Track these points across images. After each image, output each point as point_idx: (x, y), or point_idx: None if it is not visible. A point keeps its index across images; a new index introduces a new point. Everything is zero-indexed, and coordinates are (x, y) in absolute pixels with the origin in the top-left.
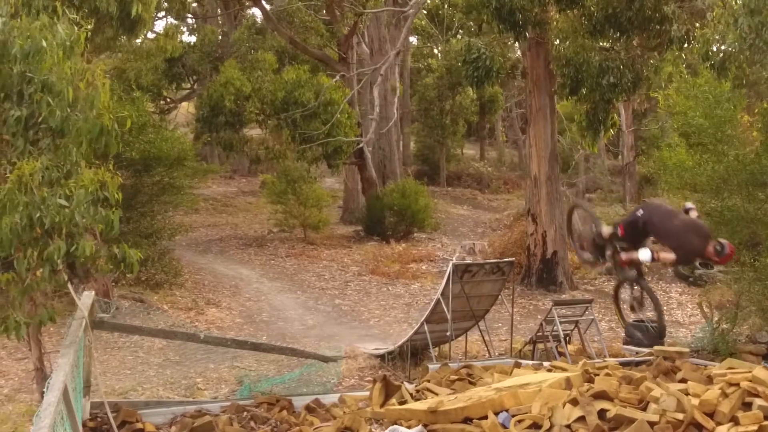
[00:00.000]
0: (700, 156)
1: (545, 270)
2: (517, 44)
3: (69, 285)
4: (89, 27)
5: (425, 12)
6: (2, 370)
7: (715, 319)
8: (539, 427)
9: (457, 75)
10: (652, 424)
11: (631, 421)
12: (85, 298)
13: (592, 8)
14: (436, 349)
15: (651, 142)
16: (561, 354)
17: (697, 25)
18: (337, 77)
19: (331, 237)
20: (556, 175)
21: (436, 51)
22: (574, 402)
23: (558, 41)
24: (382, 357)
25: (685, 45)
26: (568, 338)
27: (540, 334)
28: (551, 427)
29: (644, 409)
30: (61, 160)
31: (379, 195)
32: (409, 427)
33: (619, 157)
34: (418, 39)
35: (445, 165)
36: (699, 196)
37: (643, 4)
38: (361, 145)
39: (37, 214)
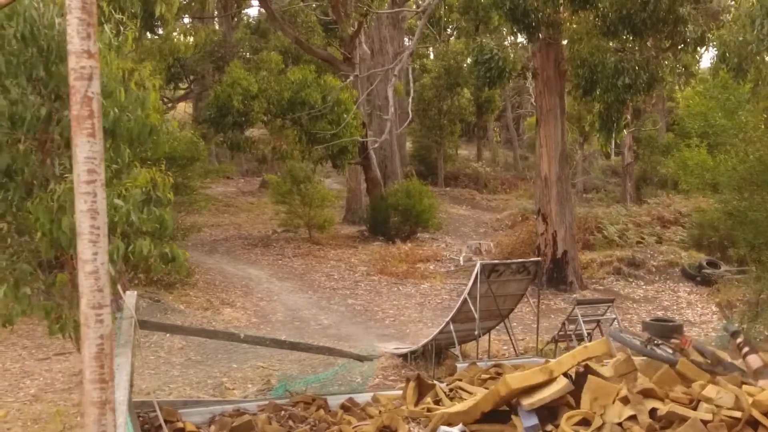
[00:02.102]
0: (724, 156)
1: (555, 270)
2: (510, 45)
3: (118, 286)
4: (135, 28)
5: (417, 11)
6: (26, 370)
7: (734, 318)
8: (589, 423)
9: (456, 75)
10: (705, 422)
11: (683, 419)
12: (130, 298)
13: (606, 9)
14: (457, 348)
15: (647, 142)
16: None
17: (712, 26)
18: (351, 78)
19: (336, 237)
20: (566, 175)
21: (428, 51)
22: (625, 400)
23: (572, 42)
24: (404, 356)
25: (698, 47)
26: (589, 337)
27: (562, 333)
28: (603, 424)
29: (695, 408)
30: (112, 161)
31: (383, 195)
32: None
33: (612, 157)
34: (410, 40)
35: (443, 165)
36: (720, 196)
37: (657, 5)
38: (376, 145)
39: None
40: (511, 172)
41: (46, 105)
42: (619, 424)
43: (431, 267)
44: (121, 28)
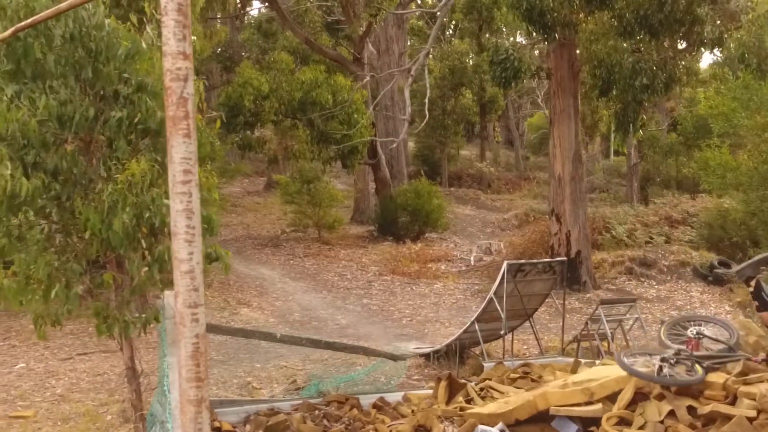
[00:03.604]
0: (746, 156)
1: (569, 269)
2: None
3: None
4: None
5: (431, 11)
6: (50, 369)
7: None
8: (628, 423)
9: (460, 75)
10: (749, 419)
11: (726, 417)
12: (169, 298)
13: (622, 10)
14: (478, 348)
15: (649, 143)
16: (608, 353)
17: (730, 26)
18: (367, 78)
19: (346, 237)
20: (580, 175)
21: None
22: (661, 397)
23: (588, 43)
24: (426, 356)
25: (716, 48)
26: (611, 337)
27: (585, 332)
28: (644, 424)
29: (732, 404)
30: (161, 161)
31: (392, 195)
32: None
33: (612, 157)
34: (411, 40)
35: (446, 165)
36: (743, 196)
37: (675, 6)
38: (394, 145)
39: (147, 214)
40: (512, 173)
41: (94, 105)
42: (661, 422)
43: (442, 267)
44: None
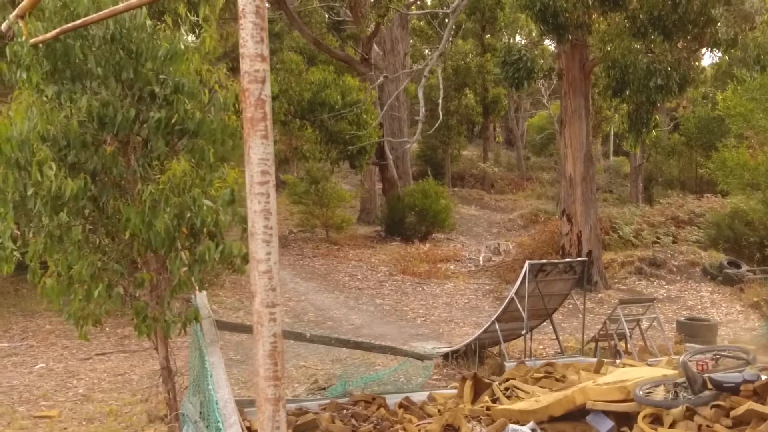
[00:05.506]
0: (764, 157)
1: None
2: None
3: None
4: (210, 30)
5: (418, 11)
6: (70, 370)
7: None
8: (660, 420)
9: (464, 76)
10: None
11: (761, 416)
12: (201, 298)
13: (636, 11)
14: (495, 348)
15: (652, 143)
16: (627, 352)
17: (744, 27)
18: (380, 79)
19: (354, 237)
20: (591, 175)
21: (427, 52)
22: None
23: (602, 44)
24: (444, 356)
25: (731, 49)
26: (629, 336)
27: (603, 332)
28: (674, 422)
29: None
30: (197, 161)
31: (399, 195)
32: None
33: (611, 157)
34: (412, 40)
35: (449, 165)
36: (762, 196)
37: (689, 7)
38: (408, 146)
39: (188, 215)
40: (514, 173)
41: (134, 106)
42: (690, 417)
43: (452, 267)
44: (196, 30)
